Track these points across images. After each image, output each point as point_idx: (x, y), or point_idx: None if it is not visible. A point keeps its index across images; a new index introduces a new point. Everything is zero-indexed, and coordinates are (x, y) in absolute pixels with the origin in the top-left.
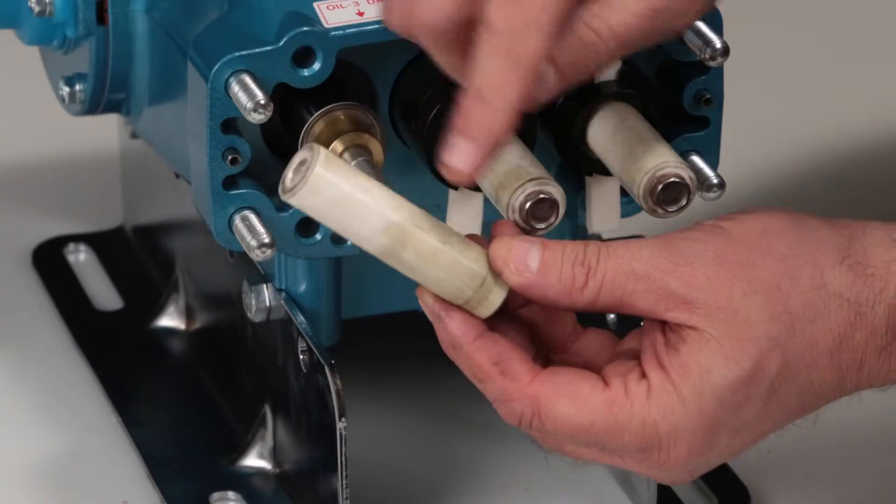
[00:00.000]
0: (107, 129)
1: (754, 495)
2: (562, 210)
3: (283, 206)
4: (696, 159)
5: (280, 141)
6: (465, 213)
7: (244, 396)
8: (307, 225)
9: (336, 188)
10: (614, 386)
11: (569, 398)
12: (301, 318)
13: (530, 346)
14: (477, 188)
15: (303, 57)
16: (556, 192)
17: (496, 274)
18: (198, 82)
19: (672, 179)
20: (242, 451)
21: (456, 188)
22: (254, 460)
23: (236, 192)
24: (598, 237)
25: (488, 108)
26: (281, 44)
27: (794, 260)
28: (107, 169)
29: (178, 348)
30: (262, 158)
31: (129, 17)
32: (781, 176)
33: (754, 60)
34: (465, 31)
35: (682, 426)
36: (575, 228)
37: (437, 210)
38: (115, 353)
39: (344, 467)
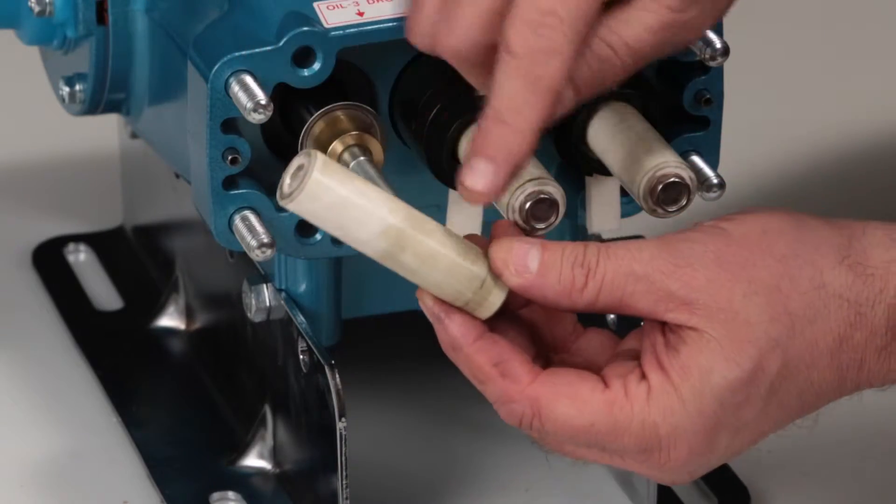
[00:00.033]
0: (107, 129)
1: (754, 495)
2: (562, 210)
3: (283, 207)
4: (696, 159)
5: (280, 141)
6: (465, 214)
7: (244, 396)
8: (307, 225)
9: (334, 193)
10: (614, 387)
11: (569, 399)
12: (301, 318)
13: (530, 346)
14: None
15: (303, 57)
16: (556, 192)
17: (496, 275)
18: (198, 82)
19: (672, 179)
20: (242, 451)
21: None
22: (254, 460)
23: (236, 192)
24: (597, 237)
25: (508, 129)
26: (281, 44)
27: (793, 260)
28: (107, 169)
29: (178, 348)
30: (262, 158)
31: (129, 17)
32: (781, 176)
33: (754, 60)
34: (492, 53)
35: (683, 427)
36: (575, 228)
37: (437, 210)
38: (115, 353)
39: (344, 467)
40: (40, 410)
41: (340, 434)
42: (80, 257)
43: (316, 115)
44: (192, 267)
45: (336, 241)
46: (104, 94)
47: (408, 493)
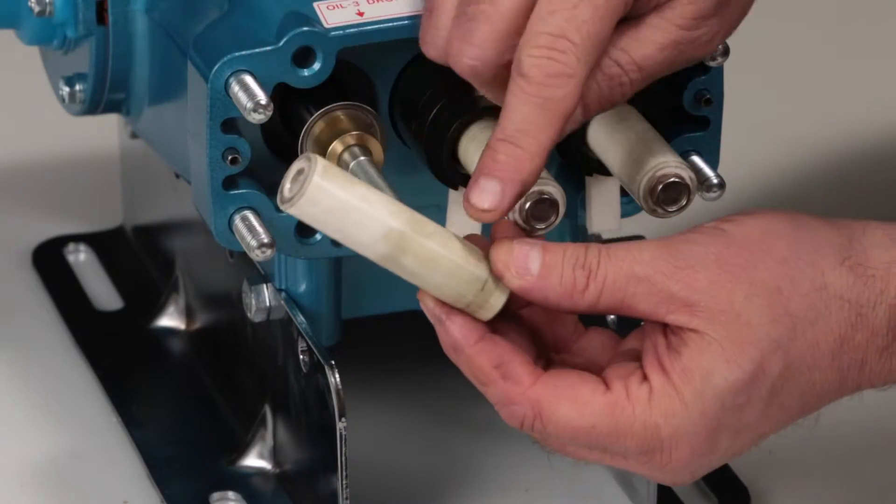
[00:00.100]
0: (107, 129)
1: (754, 495)
2: (562, 210)
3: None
4: (696, 159)
5: (280, 141)
6: (465, 214)
7: (244, 396)
8: (307, 225)
9: (334, 197)
10: (616, 389)
11: (570, 401)
12: (301, 318)
13: (532, 346)
14: None
15: (303, 57)
16: (555, 191)
17: (497, 277)
18: (198, 82)
19: (672, 179)
20: (242, 451)
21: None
22: (254, 460)
23: (236, 192)
24: (598, 237)
25: (517, 151)
26: (281, 44)
27: (794, 262)
28: (107, 169)
29: (178, 348)
30: (262, 158)
31: (129, 17)
32: (782, 176)
33: (754, 60)
34: (506, 69)
35: (684, 429)
36: (575, 228)
37: (436, 210)
38: (115, 353)
39: (344, 467)
40: (40, 410)
41: (340, 434)
42: (80, 257)
43: (316, 115)
44: (192, 267)
45: (336, 242)
46: (104, 94)
47: (408, 493)
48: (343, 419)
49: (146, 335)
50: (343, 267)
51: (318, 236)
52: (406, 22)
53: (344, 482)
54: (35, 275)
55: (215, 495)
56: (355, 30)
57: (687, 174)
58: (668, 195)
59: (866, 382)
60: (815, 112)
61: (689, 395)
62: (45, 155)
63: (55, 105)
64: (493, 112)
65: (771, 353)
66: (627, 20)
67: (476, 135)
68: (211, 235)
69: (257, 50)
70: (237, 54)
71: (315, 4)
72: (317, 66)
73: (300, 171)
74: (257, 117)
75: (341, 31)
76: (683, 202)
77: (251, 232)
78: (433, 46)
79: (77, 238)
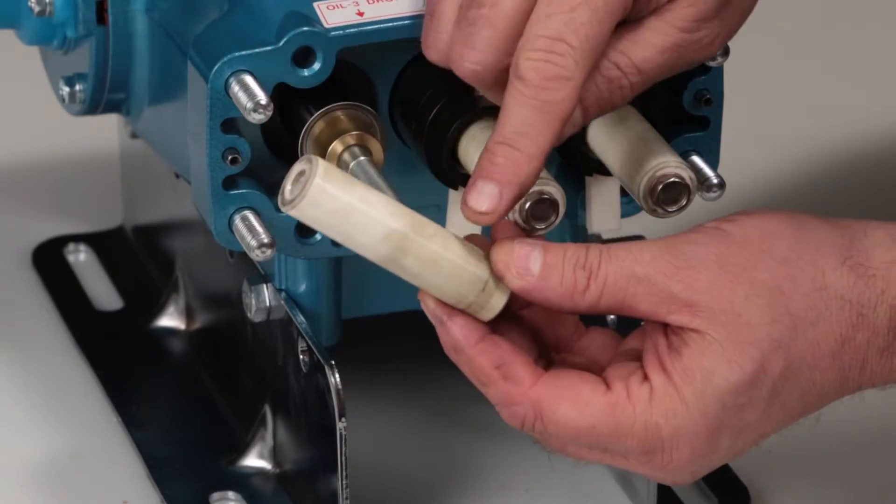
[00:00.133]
0: (107, 129)
1: (754, 495)
2: (562, 210)
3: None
4: (696, 159)
5: (280, 141)
6: None
7: (244, 396)
8: (307, 226)
9: (335, 199)
10: (616, 389)
11: (570, 402)
12: (301, 318)
13: (532, 346)
14: None
15: (303, 57)
16: (555, 191)
17: (498, 278)
18: (198, 82)
19: (672, 179)
20: (242, 451)
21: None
22: (254, 460)
23: (236, 192)
24: (598, 237)
25: (515, 154)
26: (281, 44)
27: (795, 262)
28: (107, 169)
29: (178, 348)
30: (262, 158)
31: (129, 17)
32: (782, 176)
33: (754, 60)
34: (507, 73)
35: (685, 429)
36: (575, 228)
37: (436, 210)
38: (115, 353)
39: (344, 467)
40: (40, 410)
41: (340, 434)
42: (80, 257)
43: (316, 115)
44: (192, 267)
45: (336, 242)
46: (104, 94)
47: (408, 493)
48: (343, 419)
49: (146, 335)
50: (343, 267)
51: (318, 236)
52: (406, 22)
53: (344, 482)
54: (35, 275)
55: (215, 495)
56: (355, 30)
57: (687, 174)
58: (668, 195)
59: (867, 382)
60: (815, 112)
61: (690, 395)
62: (45, 155)
63: (55, 105)
64: (493, 112)
65: (772, 353)
66: (627, 23)
67: (476, 135)
68: (211, 235)
69: (257, 50)
70: (237, 54)
71: (315, 4)
72: (317, 66)
73: (301, 173)
74: (257, 117)
75: (341, 31)
76: (683, 202)
77: (251, 232)
78: (435, 50)
79: (77, 238)
